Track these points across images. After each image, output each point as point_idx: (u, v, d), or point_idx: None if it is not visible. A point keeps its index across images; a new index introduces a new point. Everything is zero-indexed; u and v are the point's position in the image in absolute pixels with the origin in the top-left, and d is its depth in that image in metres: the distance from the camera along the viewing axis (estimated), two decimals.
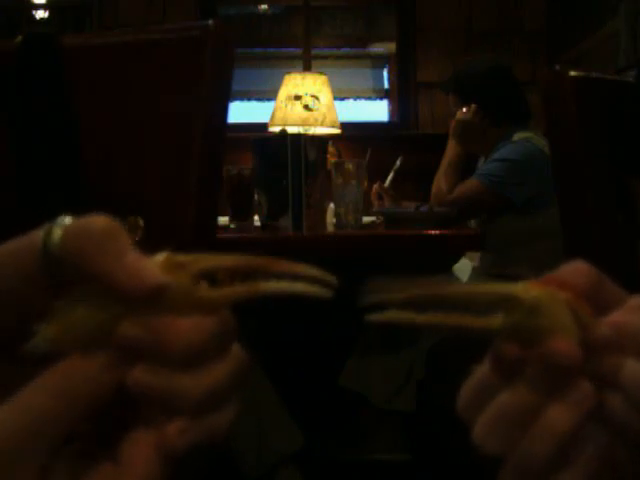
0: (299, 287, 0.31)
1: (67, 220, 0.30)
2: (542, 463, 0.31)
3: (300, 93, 2.98)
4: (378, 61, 4.35)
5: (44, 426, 0.27)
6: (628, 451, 0.31)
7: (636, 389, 0.30)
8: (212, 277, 0.31)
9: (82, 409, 0.28)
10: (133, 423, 0.29)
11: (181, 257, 0.30)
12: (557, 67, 0.86)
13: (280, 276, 0.31)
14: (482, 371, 0.33)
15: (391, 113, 3.97)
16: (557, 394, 0.31)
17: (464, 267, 2.21)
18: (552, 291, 0.31)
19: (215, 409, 0.30)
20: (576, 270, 0.33)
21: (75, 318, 0.29)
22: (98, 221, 0.30)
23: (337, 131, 3.06)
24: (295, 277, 0.31)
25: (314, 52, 3.77)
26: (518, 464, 0.31)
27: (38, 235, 0.30)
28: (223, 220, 1.51)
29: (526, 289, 0.31)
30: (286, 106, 2.97)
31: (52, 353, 0.28)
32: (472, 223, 2.18)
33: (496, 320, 0.31)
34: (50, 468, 0.28)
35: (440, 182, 2.23)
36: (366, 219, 1.83)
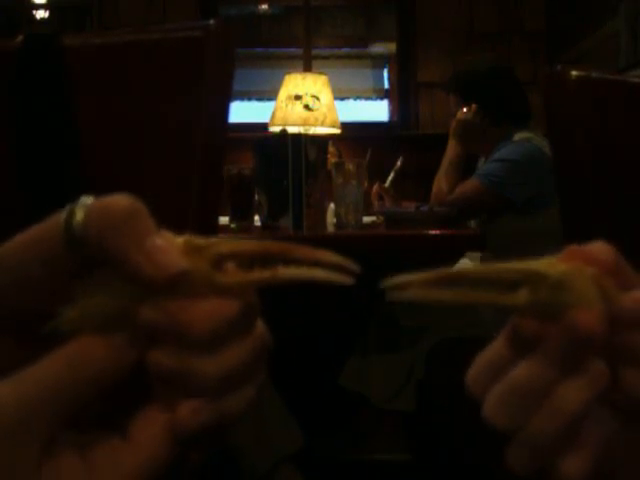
0: (319, 273, 0.30)
1: (89, 200, 0.30)
2: (551, 441, 0.30)
3: (300, 93, 2.98)
4: (378, 61, 4.35)
5: (57, 395, 0.27)
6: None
7: None
8: (231, 261, 0.31)
9: (97, 384, 0.28)
10: (145, 401, 0.30)
11: (200, 240, 0.30)
12: (558, 67, 0.86)
13: (300, 262, 0.30)
14: (495, 346, 0.33)
15: (391, 113, 3.97)
16: (572, 371, 0.30)
17: (464, 267, 2.21)
18: (578, 266, 0.31)
19: (233, 390, 0.30)
20: (600, 247, 0.32)
21: (96, 301, 0.29)
22: (120, 201, 0.29)
23: (337, 131, 3.06)
24: (315, 263, 0.30)
25: (314, 52, 3.77)
26: (526, 441, 0.31)
27: (60, 216, 0.29)
28: (223, 220, 1.51)
29: (551, 264, 0.31)
30: (286, 106, 2.97)
31: (72, 335, 0.29)
32: (472, 223, 2.18)
33: (521, 296, 0.31)
34: (57, 437, 0.28)
35: (441, 182, 2.23)
36: (366, 219, 1.83)
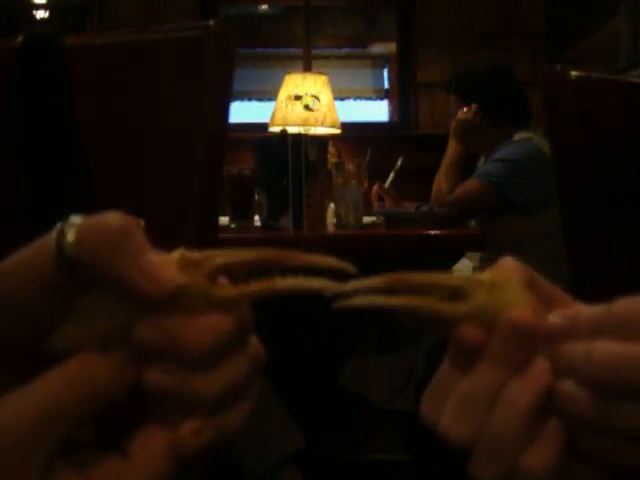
0: (315, 283, 0.30)
1: (78, 219, 0.29)
2: (510, 440, 0.30)
3: (300, 93, 2.97)
4: (378, 61, 4.35)
5: (57, 414, 0.27)
6: (579, 438, 0.31)
7: (586, 375, 0.30)
8: (228, 273, 0.30)
9: (96, 403, 0.28)
10: (145, 419, 0.29)
11: (195, 254, 0.30)
12: (558, 67, 0.86)
13: (296, 269, 0.30)
14: (441, 370, 0.33)
15: (391, 113, 3.97)
16: (518, 370, 0.31)
17: (464, 267, 2.21)
18: (504, 273, 0.32)
19: (231, 406, 0.30)
20: (510, 266, 0.33)
21: (92, 320, 0.29)
22: (112, 220, 0.29)
23: (337, 131, 3.06)
24: (311, 269, 0.30)
25: (314, 52, 3.77)
26: (486, 447, 0.31)
27: (51, 237, 0.29)
28: (223, 220, 1.51)
29: (484, 274, 0.32)
30: (286, 106, 2.97)
31: (67, 354, 0.28)
32: (472, 223, 2.18)
33: (462, 305, 0.32)
34: (58, 457, 0.27)
35: (441, 182, 2.23)
36: (366, 219, 1.83)
